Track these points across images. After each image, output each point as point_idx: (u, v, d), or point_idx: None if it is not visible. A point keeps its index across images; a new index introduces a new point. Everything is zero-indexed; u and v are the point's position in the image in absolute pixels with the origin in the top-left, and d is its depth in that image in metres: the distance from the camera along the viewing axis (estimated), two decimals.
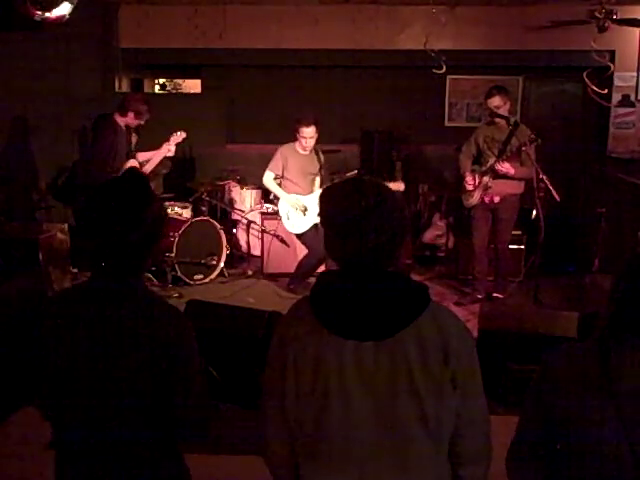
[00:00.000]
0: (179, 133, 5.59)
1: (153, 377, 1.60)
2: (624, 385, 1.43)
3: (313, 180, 5.68)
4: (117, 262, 1.66)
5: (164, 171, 6.43)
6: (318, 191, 5.66)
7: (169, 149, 5.57)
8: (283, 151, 5.52)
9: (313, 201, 5.52)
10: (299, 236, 5.71)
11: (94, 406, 1.63)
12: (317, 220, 5.58)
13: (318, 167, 5.62)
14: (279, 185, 5.66)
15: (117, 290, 1.67)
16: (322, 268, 6.15)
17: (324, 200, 1.59)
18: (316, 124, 5.35)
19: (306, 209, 5.57)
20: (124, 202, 1.65)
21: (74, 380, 1.64)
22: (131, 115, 5.27)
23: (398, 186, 5.37)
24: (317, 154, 5.60)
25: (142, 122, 5.40)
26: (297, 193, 5.58)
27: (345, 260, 1.54)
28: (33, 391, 3.58)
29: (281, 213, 5.68)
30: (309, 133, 5.35)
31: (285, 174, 5.56)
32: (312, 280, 5.85)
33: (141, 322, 1.62)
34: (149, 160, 5.60)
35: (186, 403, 1.64)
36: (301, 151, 5.50)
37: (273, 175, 5.58)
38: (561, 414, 1.49)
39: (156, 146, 5.70)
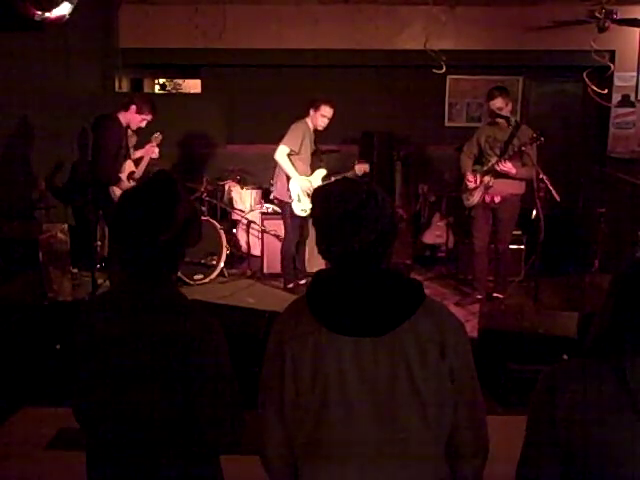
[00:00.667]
0: (156, 134, 5.66)
1: (181, 383, 1.59)
2: None
3: (311, 158, 5.69)
4: (147, 265, 1.65)
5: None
6: (319, 171, 5.71)
7: (154, 151, 5.61)
8: (301, 127, 5.49)
9: (316, 182, 5.59)
10: (285, 218, 5.71)
11: (124, 409, 1.63)
12: None
13: (316, 148, 5.72)
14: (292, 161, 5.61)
15: (146, 296, 1.65)
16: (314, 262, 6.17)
17: (316, 200, 1.60)
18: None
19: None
20: (154, 203, 1.63)
21: (104, 385, 1.64)
22: (134, 114, 5.28)
23: (364, 168, 5.67)
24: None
25: (143, 124, 5.40)
26: (305, 173, 5.58)
27: (339, 258, 1.55)
28: (37, 392, 3.57)
29: (292, 194, 5.55)
30: (329, 112, 5.46)
31: (301, 151, 5.51)
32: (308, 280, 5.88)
33: (169, 328, 1.60)
34: (141, 158, 5.62)
35: (214, 410, 1.63)
36: (312, 130, 5.56)
37: (288, 150, 5.46)
38: (582, 438, 1.45)
39: None
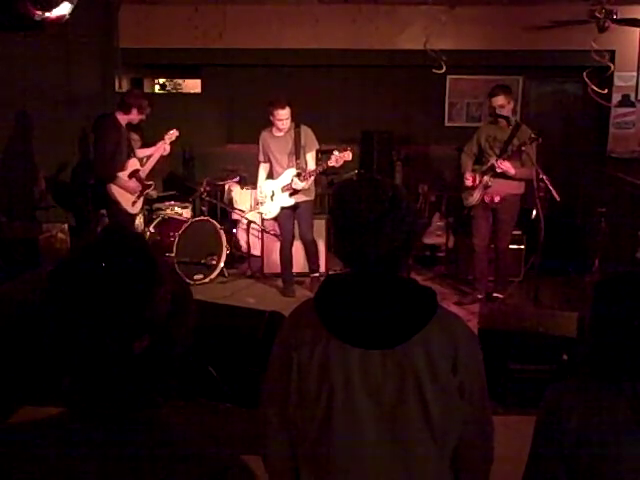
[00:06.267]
0: (172, 131, 5.67)
1: None
2: None
3: (292, 157, 5.58)
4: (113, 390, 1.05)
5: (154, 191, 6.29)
6: (288, 171, 5.55)
7: (165, 148, 5.61)
8: (262, 137, 5.66)
9: (278, 184, 5.59)
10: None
11: None
12: (284, 203, 5.62)
13: (292, 145, 5.53)
14: (270, 168, 5.76)
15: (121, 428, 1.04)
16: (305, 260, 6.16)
17: (338, 201, 1.54)
18: (289, 105, 5.43)
19: (273, 194, 5.65)
20: (121, 282, 1.01)
21: None
22: (135, 111, 5.31)
23: (347, 155, 5.31)
24: (297, 133, 5.51)
25: (144, 117, 5.43)
26: (280, 173, 5.61)
27: (356, 264, 1.52)
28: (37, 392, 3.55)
29: (257, 201, 5.89)
30: (283, 115, 5.40)
31: (270, 158, 5.66)
32: (299, 280, 5.93)
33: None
34: (149, 156, 5.62)
35: None
36: (277, 133, 5.54)
37: (261, 164, 5.75)
38: (590, 462, 1.43)
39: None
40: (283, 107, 5.39)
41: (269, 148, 5.62)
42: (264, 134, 5.64)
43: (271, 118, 5.46)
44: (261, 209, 5.84)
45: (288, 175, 5.57)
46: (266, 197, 5.71)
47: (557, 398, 1.52)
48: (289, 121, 5.46)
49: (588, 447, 1.43)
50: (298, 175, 5.48)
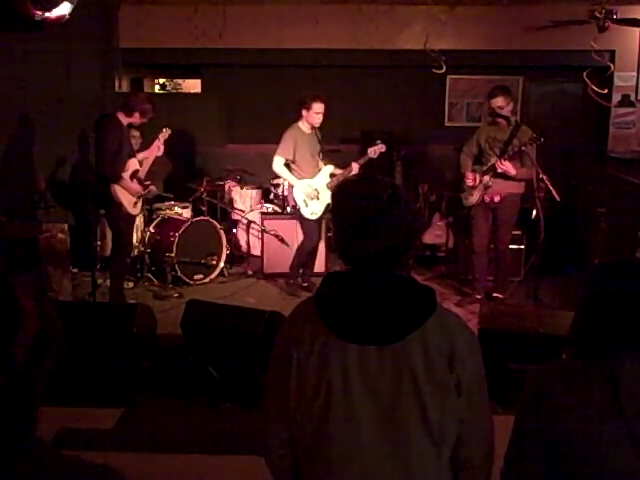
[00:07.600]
0: (165, 130, 5.62)
1: None
2: (632, 402, 1.42)
3: (318, 160, 5.63)
4: None
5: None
6: (325, 169, 5.63)
7: (159, 147, 5.60)
8: (292, 133, 5.47)
9: (321, 182, 5.57)
10: (302, 221, 5.68)
11: None
12: (329, 201, 5.54)
13: (317, 143, 5.61)
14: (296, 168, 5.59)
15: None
16: (321, 264, 6.15)
17: (337, 198, 1.57)
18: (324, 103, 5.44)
19: (318, 193, 5.56)
20: None
21: None
22: (137, 115, 5.27)
23: (382, 148, 5.55)
24: (315, 132, 5.62)
25: (146, 120, 5.41)
26: (310, 175, 5.55)
27: (355, 261, 1.53)
28: None
29: (298, 202, 5.57)
30: (322, 108, 5.40)
31: (296, 157, 5.50)
32: (298, 281, 5.90)
33: None
34: (146, 159, 5.62)
35: None
36: (306, 130, 5.49)
37: (283, 160, 5.49)
38: (566, 439, 1.46)
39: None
40: (323, 100, 5.39)
41: (303, 147, 5.48)
42: (293, 132, 5.47)
43: (304, 113, 5.41)
44: (309, 209, 5.55)
45: (326, 173, 5.58)
46: (317, 195, 5.54)
47: (538, 378, 1.55)
48: (322, 117, 5.45)
49: (567, 425, 1.46)
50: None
